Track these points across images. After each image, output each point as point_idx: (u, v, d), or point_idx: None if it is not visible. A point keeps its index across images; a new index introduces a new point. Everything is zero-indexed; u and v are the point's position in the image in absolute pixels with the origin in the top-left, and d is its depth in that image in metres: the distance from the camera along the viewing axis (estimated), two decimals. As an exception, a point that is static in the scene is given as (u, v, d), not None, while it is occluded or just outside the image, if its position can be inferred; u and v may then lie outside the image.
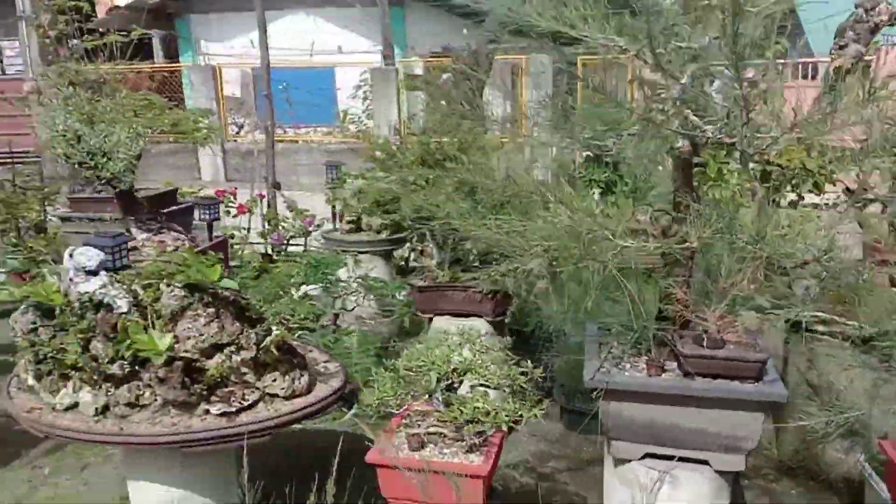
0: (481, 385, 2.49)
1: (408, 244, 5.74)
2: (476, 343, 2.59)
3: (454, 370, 2.51)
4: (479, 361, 2.54)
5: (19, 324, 2.62)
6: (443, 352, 2.62)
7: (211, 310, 2.54)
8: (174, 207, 5.06)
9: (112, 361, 2.45)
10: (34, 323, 2.60)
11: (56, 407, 2.52)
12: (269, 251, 6.30)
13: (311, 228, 6.62)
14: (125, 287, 2.53)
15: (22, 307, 2.65)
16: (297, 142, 11.82)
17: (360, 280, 4.53)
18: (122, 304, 2.47)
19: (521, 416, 2.38)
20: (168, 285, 2.54)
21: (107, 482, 3.45)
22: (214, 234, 4.46)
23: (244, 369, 2.55)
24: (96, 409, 2.47)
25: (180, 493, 2.61)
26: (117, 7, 13.18)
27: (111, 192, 4.73)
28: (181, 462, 2.55)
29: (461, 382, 2.61)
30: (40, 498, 3.33)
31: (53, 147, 3.68)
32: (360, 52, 12.94)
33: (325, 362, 2.97)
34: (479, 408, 2.40)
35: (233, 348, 2.53)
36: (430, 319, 3.80)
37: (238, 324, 2.59)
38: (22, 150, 9.04)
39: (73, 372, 2.51)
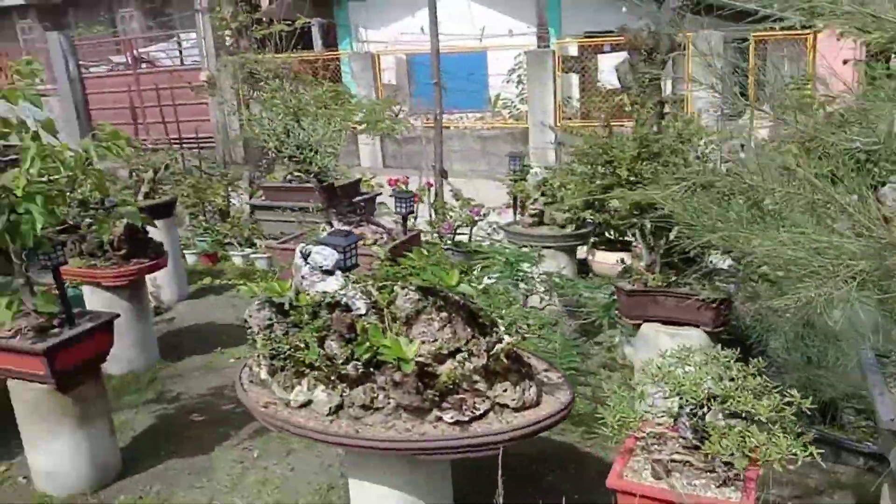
0: (743, 416, 2.23)
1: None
2: (732, 368, 2.32)
3: (710, 397, 2.26)
4: (736, 387, 2.28)
5: (255, 319, 2.67)
6: (689, 373, 2.38)
7: (444, 314, 2.45)
8: (358, 198, 5.13)
9: (346, 362, 2.43)
10: (270, 319, 2.63)
11: (290, 403, 2.54)
12: (439, 241, 6.27)
13: (477, 218, 6.52)
14: (361, 288, 2.50)
15: (257, 303, 2.70)
16: (448, 128, 11.80)
17: (545, 276, 4.35)
18: (361, 306, 2.43)
19: (795, 454, 2.10)
20: (403, 288, 2.47)
21: (312, 469, 3.51)
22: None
23: (475, 377, 2.45)
24: (330, 408, 2.47)
25: (403, 497, 2.57)
26: (281, -4, 13.77)
27: (302, 181, 4.85)
28: (410, 467, 2.50)
29: (709, 409, 2.36)
30: (252, 480, 3.45)
31: (264, 140, 3.75)
32: (512, 34, 12.72)
33: (545, 371, 2.81)
34: (744, 443, 2.14)
35: (465, 354, 2.44)
36: (637, 326, 3.55)
37: (469, 329, 2.49)
38: (204, 135, 9.66)
39: (308, 370, 2.52)
